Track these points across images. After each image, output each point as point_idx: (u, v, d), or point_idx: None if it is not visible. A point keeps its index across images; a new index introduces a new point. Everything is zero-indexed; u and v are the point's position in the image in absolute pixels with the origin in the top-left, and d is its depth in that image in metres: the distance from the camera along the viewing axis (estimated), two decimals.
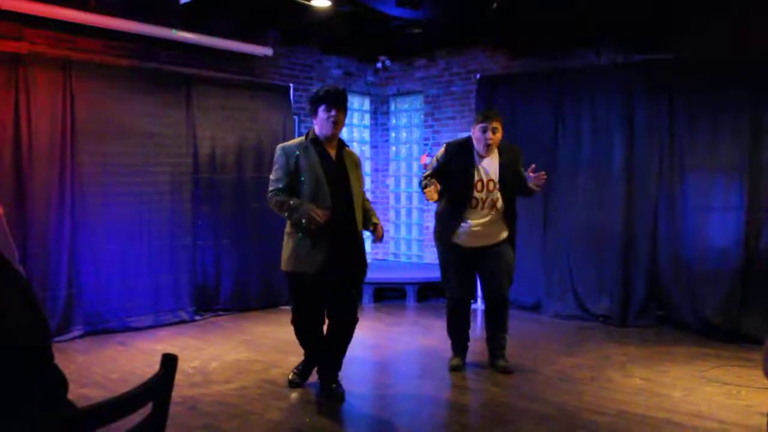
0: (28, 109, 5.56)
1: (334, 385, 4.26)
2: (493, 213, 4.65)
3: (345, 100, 4.20)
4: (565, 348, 5.54)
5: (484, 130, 4.60)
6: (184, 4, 6.12)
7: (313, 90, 4.32)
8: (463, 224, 4.65)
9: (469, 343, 5.01)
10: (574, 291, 6.74)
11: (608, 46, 6.94)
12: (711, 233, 5.99)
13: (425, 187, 4.46)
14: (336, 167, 4.18)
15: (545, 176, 4.56)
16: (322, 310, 4.31)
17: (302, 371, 4.56)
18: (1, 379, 1.37)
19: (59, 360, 1.53)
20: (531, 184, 4.59)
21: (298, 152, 4.13)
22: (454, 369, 4.83)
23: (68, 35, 6.02)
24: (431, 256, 8.83)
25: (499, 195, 4.64)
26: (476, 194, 4.62)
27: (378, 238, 4.31)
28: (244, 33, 7.23)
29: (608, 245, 6.54)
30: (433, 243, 8.82)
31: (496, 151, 4.69)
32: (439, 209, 4.85)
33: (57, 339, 5.47)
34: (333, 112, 4.10)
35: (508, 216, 4.71)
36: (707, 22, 6.07)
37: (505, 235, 4.71)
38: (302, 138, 4.27)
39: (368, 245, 9.30)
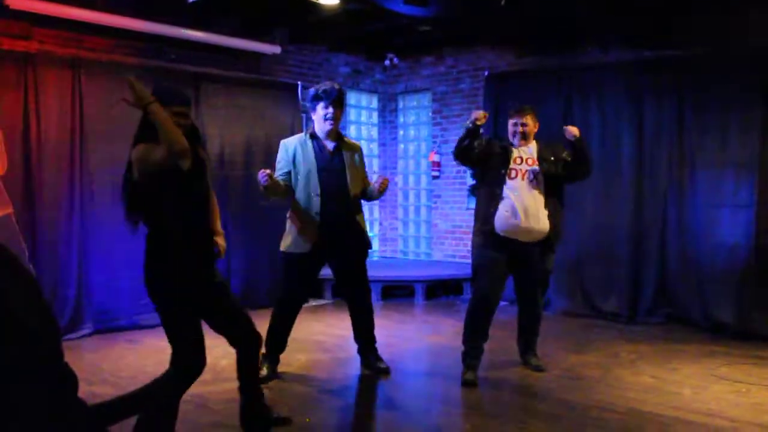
0: (37, 109, 5.59)
1: (376, 362, 4.69)
2: (532, 188, 4.50)
3: (343, 99, 4.47)
4: (574, 346, 5.52)
5: (514, 124, 4.66)
6: (193, 2, 6.13)
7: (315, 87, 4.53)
8: (503, 198, 4.48)
9: (482, 356, 4.64)
10: (582, 289, 6.71)
11: (615, 42, 6.91)
12: (721, 231, 5.95)
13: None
14: (330, 159, 4.47)
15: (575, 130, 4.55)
16: (306, 294, 4.79)
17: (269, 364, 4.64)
18: (10, 377, 1.37)
19: (69, 358, 1.53)
20: (567, 135, 4.57)
21: (296, 147, 4.48)
22: (467, 384, 4.45)
23: (76, 34, 6.05)
24: (440, 253, 8.83)
25: (538, 169, 4.53)
26: (514, 166, 4.56)
27: (382, 187, 4.46)
28: (251, 31, 7.24)
29: (617, 243, 6.51)
30: (441, 241, 8.96)
31: (534, 142, 4.69)
32: (479, 193, 4.82)
33: (66, 337, 5.49)
34: (330, 110, 4.40)
35: (551, 202, 4.55)
36: (716, 19, 6.03)
37: (545, 227, 4.50)
38: (302, 134, 4.58)
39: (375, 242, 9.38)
